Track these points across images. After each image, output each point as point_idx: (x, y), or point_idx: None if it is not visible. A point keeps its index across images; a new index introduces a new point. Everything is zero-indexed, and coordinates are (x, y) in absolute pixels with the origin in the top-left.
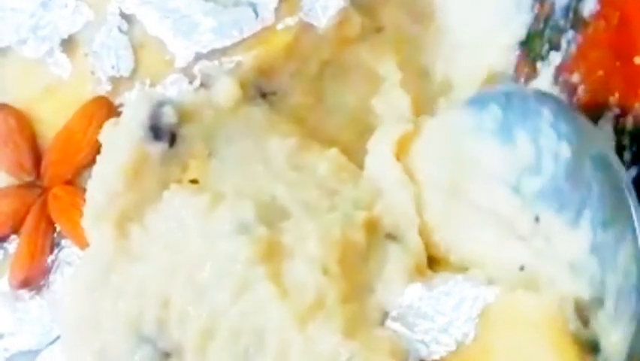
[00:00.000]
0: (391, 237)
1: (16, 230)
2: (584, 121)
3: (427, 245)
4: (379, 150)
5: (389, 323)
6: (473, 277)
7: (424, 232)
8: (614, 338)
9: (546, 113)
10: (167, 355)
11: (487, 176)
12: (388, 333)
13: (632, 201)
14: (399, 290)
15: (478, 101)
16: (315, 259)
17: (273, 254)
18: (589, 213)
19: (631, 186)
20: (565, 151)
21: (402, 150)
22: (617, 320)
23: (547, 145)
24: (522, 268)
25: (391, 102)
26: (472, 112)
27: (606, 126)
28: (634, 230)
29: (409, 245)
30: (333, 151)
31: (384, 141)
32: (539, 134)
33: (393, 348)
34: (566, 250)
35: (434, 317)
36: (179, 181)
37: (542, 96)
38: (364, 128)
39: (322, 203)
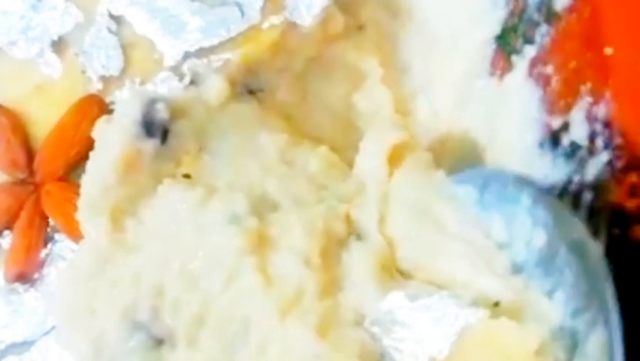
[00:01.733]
0: (358, 236)
1: (9, 226)
2: (562, 208)
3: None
4: (373, 151)
5: (367, 325)
6: (459, 296)
7: (389, 244)
8: None
9: (524, 199)
10: (160, 341)
11: (461, 213)
12: (360, 335)
13: (608, 289)
14: (371, 292)
15: (456, 180)
16: (298, 250)
17: (261, 245)
18: (561, 295)
19: (608, 274)
20: (539, 238)
21: (394, 158)
22: None
23: (521, 232)
24: (497, 305)
25: (373, 98)
26: (450, 185)
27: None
28: (607, 318)
29: (372, 245)
30: (324, 148)
31: (379, 143)
32: (514, 219)
33: (364, 352)
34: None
35: (411, 327)
36: (173, 176)
37: (521, 181)
38: (347, 124)
39: (310, 197)
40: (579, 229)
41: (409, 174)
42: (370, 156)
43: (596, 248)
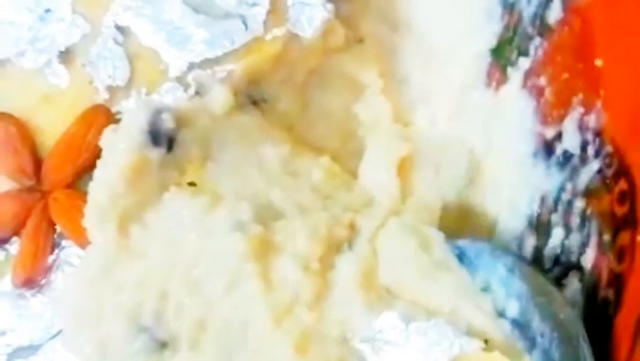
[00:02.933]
0: (349, 245)
1: (17, 232)
2: (537, 276)
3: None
4: (381, 163)
5: (356, 342)
6: (456, 323)
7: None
8: None
9: (499, 269)
10: (163, 344)
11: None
12: (342, 352)
13: (583, 352)
14: (359, 307)
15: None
16: (299, 255)
17: (264, 251)
18: (537, 355)
19: (583, 338)
20: (513, 309)
21: (401, 170)
22: None
23: (495, 301)
24: (486, 342)
25: (373, 109)
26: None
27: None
28: None
29: (359, 255)
30: (325, 159)
31: (386, 155)
32: (488, 289)
33: None
34: None
35: (403, 348)
36: (178, 184)
37: (497, 252)
38: (348, 133)
39: (314, 205)
40: (554, 296)
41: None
42: (379, 169)
43: (574, 319)
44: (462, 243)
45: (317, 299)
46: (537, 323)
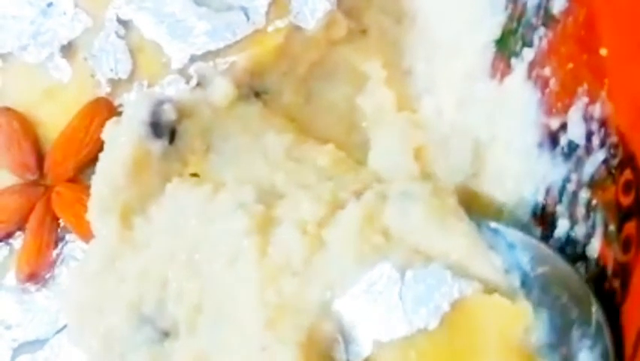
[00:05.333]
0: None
1: (21, 227)
2: (539, 248)
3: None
4: (397, 150)
5: (336, 304)
6: (455, 266)
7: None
8: None
9: (500, 241)
10: (166, 334)
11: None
12: (316, 319)
13: (593, 315)
14: (350, 261)
15: None
16: (299, 218)
17: (266, 226)
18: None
19: (592, 302)
20: (515, 281)
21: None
22: None
23: None
24: (507, 271)
25: (377, 100)
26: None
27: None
28: (593, 343)
29: (365, 201)
30: (330, 146)
31: (401, 142)
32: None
33: (311, 341)
34: None
35: (398, 298)
36: (180, 175)
37: (498, 225)
38: (351, 125)
39: (320, 186)
40: (558, 265)
41: None
42: (393, 154)
43: (578, 280)
44: None
45: (306, 262)
46: (537, 294)
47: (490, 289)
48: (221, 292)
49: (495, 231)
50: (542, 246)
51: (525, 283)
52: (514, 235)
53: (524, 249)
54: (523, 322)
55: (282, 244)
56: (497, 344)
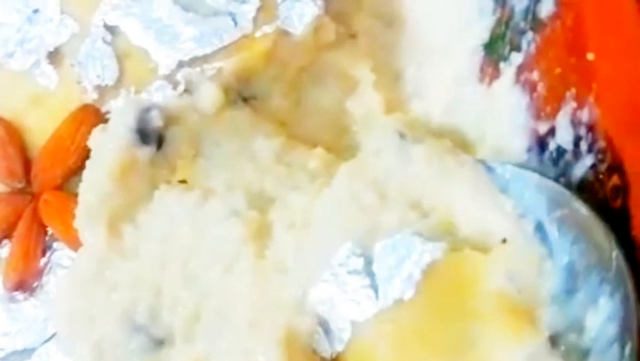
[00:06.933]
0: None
1: (8, 235)
2: (557, 189)
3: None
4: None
5: (314, 290)
6: (421, 231)
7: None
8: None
9: (515, 182)
10: (160, 342)
11: None
12: (288, 318)
13: (613, 261)
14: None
15: None
16: (292, 221)
17: (262, 233)
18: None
19: (613, 247)
20: (529, 225)
21: None
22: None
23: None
24: (504, 241)
25: (366, 104)
26: None
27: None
28: (613, 289)
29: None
30: (320, 149)
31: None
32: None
33: (289, 335)
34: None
35: (369, 273)
36: (169, 182)
37: (512, 166)
38: (341, 130)
39: (312, 188)
40: (576, 207)
41: None
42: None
43: (596, 223)
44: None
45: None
46: (555, 237)
47: (508, 246)
48: (220, 299)
49: (508, 173)
50: (560, 188)
51: (541, 227)
52: (530, 176)
53: (540, 191)
54: (499, 273)
55: (278, 249)
56: (483, 300)
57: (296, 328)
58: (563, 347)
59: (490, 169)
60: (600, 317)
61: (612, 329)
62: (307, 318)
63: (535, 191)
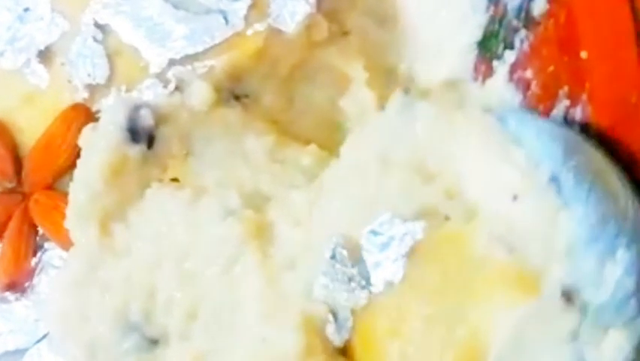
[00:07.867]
0: None
1: None
2: (574, 138)
3: None
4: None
5: (321, 280)
6: (401, 214)
7: None
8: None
9: (528, 136)
10: (154, 342)
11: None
12: (303, 305)
13: (630, 210)
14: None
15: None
16: (293, 216)
17: (262, 231)
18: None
19: (630, 195)
20: (544, 174)
21: None
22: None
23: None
24: (515, 198)
25: (359, 102)
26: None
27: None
28: (631, 239)
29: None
30: (313, 146)
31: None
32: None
33: (306, 322)
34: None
35: (359, 261)
36: (160, 181)
37: (524, 114)
38: (334, 128)
39: (308, 183)
40: (591, 155)
41: None
42: None
43: (612, 170)
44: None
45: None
46: (571, 186)
47: (520, 203)
48: (219, 298)
49: (521, 121)
50: (575, 135)
51: (556, 177)
52: (544, 125)
53: (555, 139)
54: (482, 241)
55: (283, 246)
56: (470, 270)
57: (310, 314)
58: (578, 302)
59: (500, 119)
60: (618, 270)
61: (630, 283)
62: (319, 305)
63: (549, 139)
